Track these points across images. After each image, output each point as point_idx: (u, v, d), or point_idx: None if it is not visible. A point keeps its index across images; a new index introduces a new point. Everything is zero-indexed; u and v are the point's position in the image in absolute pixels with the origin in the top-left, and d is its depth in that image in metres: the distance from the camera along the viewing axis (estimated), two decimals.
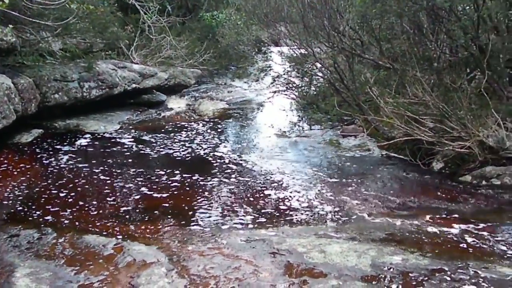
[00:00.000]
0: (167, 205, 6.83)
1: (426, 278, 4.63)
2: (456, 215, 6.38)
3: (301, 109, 12.35)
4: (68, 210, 6.51)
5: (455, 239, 5.62)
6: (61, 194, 7.15)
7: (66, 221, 6.18)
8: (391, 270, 4.80)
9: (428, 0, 9.07)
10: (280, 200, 7.03)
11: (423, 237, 5.67)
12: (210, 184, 7.73)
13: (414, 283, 4.57)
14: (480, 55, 9.17)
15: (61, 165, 8.59)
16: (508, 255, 5.21)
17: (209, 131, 11.42)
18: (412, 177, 8.08)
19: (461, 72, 9.71)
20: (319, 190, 7.42)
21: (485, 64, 8.99)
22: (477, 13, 9.16)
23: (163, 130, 11.42)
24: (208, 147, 9.96)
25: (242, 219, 6.29)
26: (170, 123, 12.23)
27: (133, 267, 4.85)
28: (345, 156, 9.36)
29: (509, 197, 6.97)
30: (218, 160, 9.10)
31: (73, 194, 7.18)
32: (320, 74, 11.98)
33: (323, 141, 10.20)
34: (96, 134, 10.84)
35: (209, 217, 6.38)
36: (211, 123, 12.29)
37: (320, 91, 12.32)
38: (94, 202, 6.89)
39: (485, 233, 5.78)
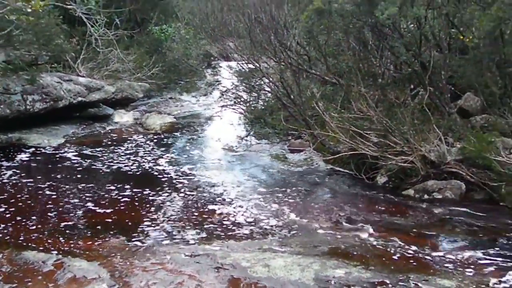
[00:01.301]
0: (111, 220, 6.74)
1: None
2: (399, 229, 6.49)
3: (249, 123, 12.36)
4: (8, 226, 6.35)
5: (397, 252, 5.72)
6: (0, 210, 6.96)
7: (4, 237, 6.02)
8: (334, 283, 4.86)
9: (371, 17, 9.23)
10: (226, 214, 7.01)
11: (366, 251, 5.75)
12: (156, 199, 7.65)
13: None
14: (422, 71, 9.40)
15: (2, 180, 8.37)
16: (447, 267, 5.33)
17: (156, 145, 11.30)
18: (356, 191, 8.17)
19: (404, 88, 9.92)
20: (265, 205, 7.43)
21: (427, 81, 9.22)
22: (420, 30, 9.40)
23: (109, 144, 11.24)
24: (155, 162, 9.85)
25: (187, 234, 6.25)
26: (117, 137, 12.06)
27: (73, 283, 4.77)
28: (291, 171, 9.40)
29: (450, 211, 7.12)
30: (165, 175, 9.01)
31: (13, 209, 6.99)
32: (268, 89, 12.04)
33: (270, 156, 10.21)
34: (40, 148, 10.59)
35: (154, 232, 6.32)
36: (159, 137, 12.17)
37: (268, 106, 12.37)
38: (35, 218, 6.73)
39: (426, 246, 5.90)
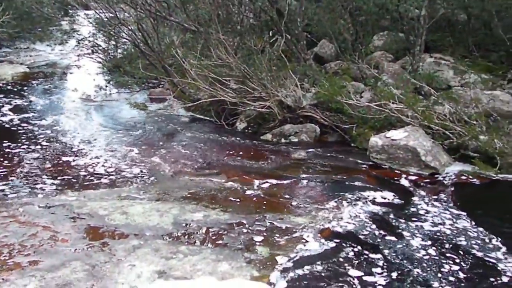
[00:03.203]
0: None
1: (226, 232, 4.83)
2: (257, 172, 6.66)
3: (108, 72, 12.05)
4: None
5: (255, 194, 5.88)
6: None
7: None
8: (192, 226, 4.94)
9: None
10: (83, 165, 6.82)
11: (225, 194, 5.86)
12: (9, 151, 7.27)
13: (214, 237, 4.74)
14: (279, 18, 9.56)
15: None
16: (300, 206, 5.57)
17: (6, 96, 10.68)
18: (216, 137, 8.24)
19: (262, 35, 10.05)
20: (123, 153, 7.32)
21: (284, 28, 9.40)
22: None
23: None
24: (4, 113, 9.35)
25: (42, 186, 6.02)
26: None
27: None
28: (152, 119, 9.30)
29: (305, 153, 7.39)
30: (18, 127, 8.58)
31: None
32: (127, 37, 11.74)
33: (130, 105, 9.93)
34: None
35: (5, 185, 6.02)
36: (10, 88, 11.55)
37: (127, 54, 12.12)
38: None
39: (282, 187, 6.12)
